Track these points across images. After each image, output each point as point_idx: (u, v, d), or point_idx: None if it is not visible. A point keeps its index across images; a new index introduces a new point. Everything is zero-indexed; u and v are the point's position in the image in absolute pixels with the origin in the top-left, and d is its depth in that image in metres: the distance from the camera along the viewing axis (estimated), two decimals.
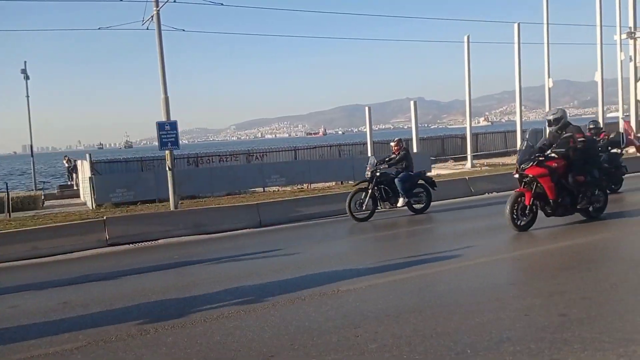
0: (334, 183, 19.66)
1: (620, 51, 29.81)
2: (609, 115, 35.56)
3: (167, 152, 14.89)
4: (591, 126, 13.39)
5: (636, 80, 30.64)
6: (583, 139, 9.08)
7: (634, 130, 18.13)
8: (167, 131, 14.55)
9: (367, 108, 22.93)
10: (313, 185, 19.77)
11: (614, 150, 13.28)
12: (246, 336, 4.82)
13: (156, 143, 15.02)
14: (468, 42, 23.84)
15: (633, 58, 30.93)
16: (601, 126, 13.72)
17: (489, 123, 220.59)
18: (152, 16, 14.91)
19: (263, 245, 9.53)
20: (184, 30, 16.93)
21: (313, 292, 6.06)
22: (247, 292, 6.34)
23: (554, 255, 7.37)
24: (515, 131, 25.12)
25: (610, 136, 13.56)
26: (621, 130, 15.35)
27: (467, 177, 15.99)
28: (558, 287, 5.67)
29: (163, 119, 14.84)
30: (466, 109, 24.50)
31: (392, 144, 12.86)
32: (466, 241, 8.44)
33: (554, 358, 3.88)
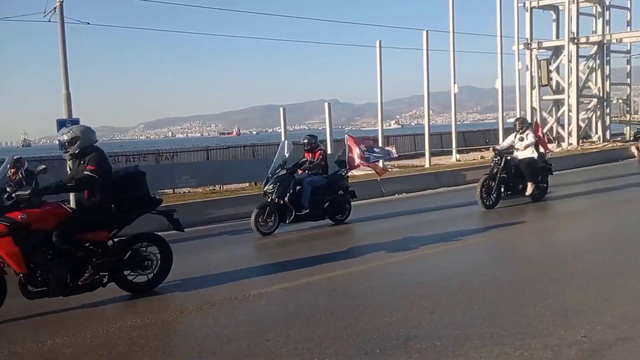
0: (247, 184, 19.43)
1: (518, 61, 31.84)
2: (508, 120, 37.89)
3: None
4: (304, 141, 11.26)
5: (532, 89, 32.86)
6: None
7: (542, 129, 18.54)
8: None
9: (281, 109, 22.88)
10: (226, 187, 19.43)
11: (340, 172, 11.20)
12: (151, 346, 4.62)
13: (57, 142, 14.07)
14: (380, 46, 24.45)
15: (529, 67, 33.16)
16: (318, 143, 11.13)
17: (400, 126, 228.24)
18: (54, 8, 14.01)
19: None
20: (88, 24, 16.07)
21: (223, 297, 5.93)
22: (153, 300, 6.09)
23: (459, 254, 7.70)
24: (423, 134, 26.07)
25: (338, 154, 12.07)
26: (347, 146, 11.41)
27: (378, 179, 16.36)
28: (462, 285, 5.91)
29: (64, 116, 13.97)
30: (378, 111, 25.14)
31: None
32: (376, 242, 8.63)
33: (456, 354, 4.03)
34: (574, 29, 32.17)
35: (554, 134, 33.75)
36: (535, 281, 5.88)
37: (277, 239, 9.65)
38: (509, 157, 11.50)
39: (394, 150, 12.84)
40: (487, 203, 11.20)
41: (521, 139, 11.79)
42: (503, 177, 11.35)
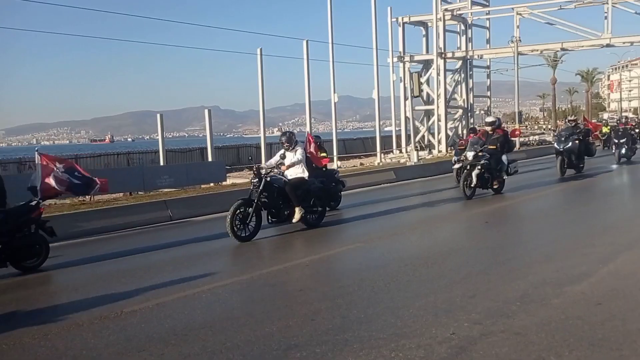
0: (122, 194, 18.40)
1: (393, 73, 33.56)
2: (385, 129, 39.73)
3: None
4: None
5: (405, 99, 34.75)
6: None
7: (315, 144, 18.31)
8: None
9: (158, 115, 22.08)
10: (97, 197, 18.26)
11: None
12: None
13: None
14: (261, 54, 24.50)
15: (403, 79, 35.06)
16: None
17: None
18: None
19: None
20: None
21: (93, 316, 5.51)
22: (14, 321, 5.51)
23: (339, 260, 7.86)
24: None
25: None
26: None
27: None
28: (341, 290, 6.03)
29: None
30: (260, 119, 25.11)
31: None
32: (255, 252, 8.56)
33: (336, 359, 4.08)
34: (441, 45, 34.59)
35: (426, 142, 35.94)
36: (409, 283, 6.15)
37: (155, 252, 9.21)
38: (268, 179, 9.70)
39: (100, 184, 9.02)
40: (242, 234, 9.24)
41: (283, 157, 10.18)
42: (264, 202, 9.68)
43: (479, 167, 12.95)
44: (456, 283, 5.92)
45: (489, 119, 14.87)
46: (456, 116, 37.68)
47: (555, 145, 17.25)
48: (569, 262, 6.49)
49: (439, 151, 33.41)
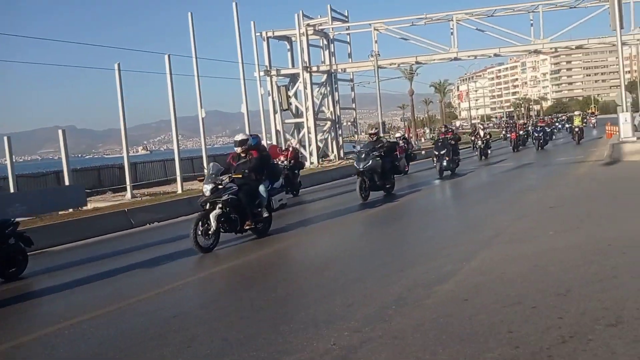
0: None
1: (260, 87, 33.70)
2: (267, 142, 39.64)
3: None
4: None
5: (274, 113, 35.06)
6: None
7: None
8: None
9: (5, 137, 20.04)
10: None
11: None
12: None
13: None
14: (119, 69, 23.32)
15: (271, 93, 35.36)
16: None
17: (148, 152, 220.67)
18: None
19: None
20: None
21: None
22: None
23: (216, 280, 7.60)
24: (174, 159, 25.60)
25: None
26: None
27: (126, 209, 15.40)
28: (219, 311, 5.81)
29: None
30: (122, 137, 23.84)
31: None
32: (124, 279, 8.02)
33: None
34: (306, 59, 35.47)
35: (299, 155, 36.50)
36: (289, 296, 6.10)
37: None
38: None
39: None
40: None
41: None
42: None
43: (220, 205, 9.47)
44: (335, 293, 5.98)
45: (238, 137, 10.66)
46: (325, 128, 38.77)
47: (355, 164, 14.60)
48: (437, 263, 6.85)
49: (311, 163, 34.10)
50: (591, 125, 49.45)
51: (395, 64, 39.47)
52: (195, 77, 26.27)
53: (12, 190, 19.60)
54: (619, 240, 6.89)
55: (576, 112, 62.22)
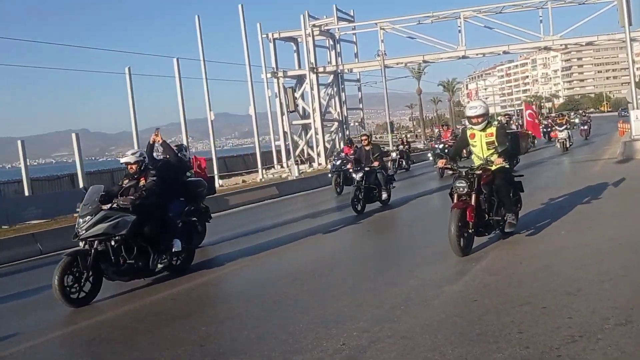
0: None
1: (267, 88, 33.83)
2: (265, 145, 39.82)
3: None
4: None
5: (282, 114, 35.16)
6: None
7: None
8: None
9: (19, 141, 20.31)
10: None
11: None
12: None
13: None
14: (130, 73, 23.54)
15: (278, 95, 35.47)
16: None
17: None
18: None
19: None
20: None
21: None
22: None
23: (226, 281, 7.66)
24: None
25: None
26: None
27: None
28: (230, 311, 5.86)
29: None
30: (134, 140, 24.05)
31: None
32: (137, 280, 8.11)
33: None
34: (312, 60, 35.54)
35: (306, 156, 36.58)
36: (298, 297, 6.15)
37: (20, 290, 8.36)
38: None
39: None
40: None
41: None
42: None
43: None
44: (344, 293, 6.02)
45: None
46: (332, 129, 38.82)
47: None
48: (446, 264, 6.86)
49: (319, 164, 34.15)
50: (582, 134, 30.14)
51: (402, 63, 39.42)
52: (203, 80, 26.45)
53: (26, 194, 19.85)
54: (630, 238, 6.86)
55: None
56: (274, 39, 36.33)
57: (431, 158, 20.44)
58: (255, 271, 8.08)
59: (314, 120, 35.54)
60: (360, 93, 42.63)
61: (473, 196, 7.04)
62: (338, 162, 17.47)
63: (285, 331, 4.95)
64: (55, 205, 17.24)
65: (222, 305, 6.21)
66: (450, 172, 7.97)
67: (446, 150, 18.39)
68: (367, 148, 13.09)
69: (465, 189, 7.06)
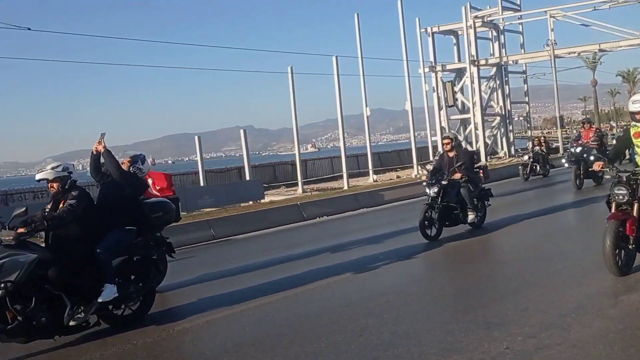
0: None
1: (425, 83, 33.37)
2: (420, 140, 39.46)
3: None
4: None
5: (439, 109, 34.46)
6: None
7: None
8: None
9: (196, 137, 22.50)
10: None
11: None
12: None
13: None
14: (292, 72, 24.76)
15: (436, 89, 34.81)
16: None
17: (317, 149, 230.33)
18: None
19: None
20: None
21: (146, 335, 5.61)
22: (75, 339, 5.66)
23: (384, 275, 7.78)
24: (340, 156, 26.50)
25: None
26: None
27: (298, 203, 16.40)
28: (387, 305, 5.97)
29: None
30: (294, 136, 25.30)
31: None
32: (299, 267, 8.56)
33: None
34: (473, 52, 34.26)
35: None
36: (457, 296, 6.05)
37: (195, 271, 9.32)
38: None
39: None
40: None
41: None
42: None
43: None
44: (508, 295, 5.79)
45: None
46: (494, 124, 37.12)
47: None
48: None
49: (478, 161, 32.94)
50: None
51: (574, 52, 36.24)
52: (360, 77, 26.90)
53: (201, 184, 22.01)
54: None
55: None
56: (433, 33, 35.70)
57: (566, 165, 16.50)
58: (413, 268, 8.08)
59: (474, 115, 34.24)
60: (525, 85, 40.14)
61: (635, 205, 6.04)
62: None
63: (443, 330, 4.92)
64: (226, 196, 18.89)
65: (379, 299, 6.33)
66: (595, 181, 6.83)
67: (584, 155, 15.05)
68: (451, 155, 10.14)
69: (626, 197, 6.03)
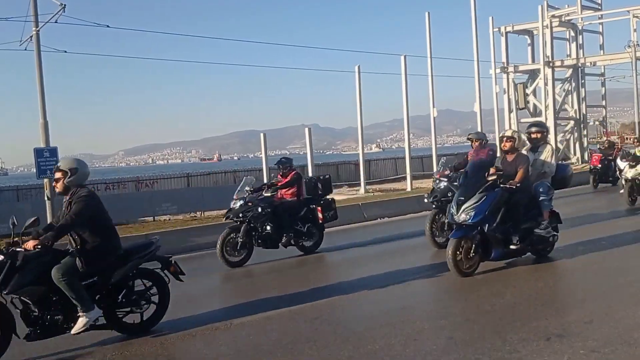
0: None
1: (495, 84, 32.43)
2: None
3: (45, 180, 13.89)
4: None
5: (510, 111, 33.44)
6: None
7: None
8: (46, 158, 13.57)
9: (262, 134, 22.93)
10: (207, 213, 19.29)
11: None
12: None
13: (35, 170, 14.03)
14: (359, 72, 24.75)
15: (507, 91, 33.80)
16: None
17: (381, 149, 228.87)
18: (30, 36, 13.96)
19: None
20: (65, 52, 15.97)
21: (205, 327, 5.82)
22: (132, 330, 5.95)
23: (442, 280, 7.67)
24: (404, 158, 26.26)
25: None
26: None
27: (360, 203, 16.39)
28: (444, 310, 5.89)
29: (42, 144, 13.84)
30: (359, 136, 25.30)
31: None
32: (359, 268, 8.58)
33: None
34: (548, 53, 32.96)
35: None
36: (516, 305, 5.88)
37: (256, 268, 9.53)
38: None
39: None
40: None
41: None
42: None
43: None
44: (571, 307, 5.58)
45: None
46: (567, 128, 35.61)
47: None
48: None
49: None
50: None
51: None
52: (429, 77, 26.52)
53: (265, 181, 22.41)
54: None
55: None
56: (507, 33, 34.65)
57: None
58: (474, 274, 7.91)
59: (546, 119, 32.91)
60: (603, 89, 38.21)
61: None
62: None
63: (501, 338, 4.80)
64: None
65: (437, 303, 6.25)
66: None
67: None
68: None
69: None
